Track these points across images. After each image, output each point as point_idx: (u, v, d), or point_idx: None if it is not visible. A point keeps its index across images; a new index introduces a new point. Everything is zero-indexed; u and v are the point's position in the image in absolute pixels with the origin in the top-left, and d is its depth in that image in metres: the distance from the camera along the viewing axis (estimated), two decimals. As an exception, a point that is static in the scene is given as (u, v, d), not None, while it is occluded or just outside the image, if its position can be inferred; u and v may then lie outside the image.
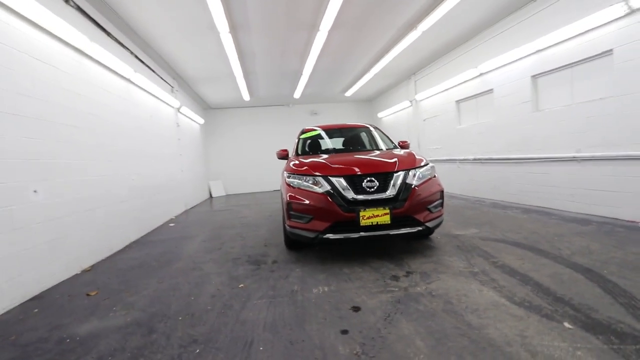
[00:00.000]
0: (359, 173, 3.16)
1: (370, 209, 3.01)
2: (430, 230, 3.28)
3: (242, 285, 2.80)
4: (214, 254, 3.90)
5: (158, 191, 6.03)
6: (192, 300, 2.55)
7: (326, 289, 2.62)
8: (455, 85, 7.43)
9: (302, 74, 8.04)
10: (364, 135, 5.02)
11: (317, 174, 3.24)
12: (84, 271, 3.53)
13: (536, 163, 5.43)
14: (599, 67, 4.40)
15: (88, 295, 2.82)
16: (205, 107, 11.34)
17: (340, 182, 3.13)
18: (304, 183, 3.28)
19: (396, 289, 2.53)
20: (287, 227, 3.36)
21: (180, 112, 7.98)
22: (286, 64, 7.34)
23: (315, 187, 3.18)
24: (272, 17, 5.05)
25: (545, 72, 5.17)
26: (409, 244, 3.71)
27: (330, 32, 5.49)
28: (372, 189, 3.10)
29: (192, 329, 2.09)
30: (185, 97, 8.74)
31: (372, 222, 3.01)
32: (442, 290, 2.44)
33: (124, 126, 4.83)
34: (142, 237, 5.17)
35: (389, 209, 3.03)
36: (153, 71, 6.16)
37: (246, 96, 9.78)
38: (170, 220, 6.60)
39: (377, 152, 4.01)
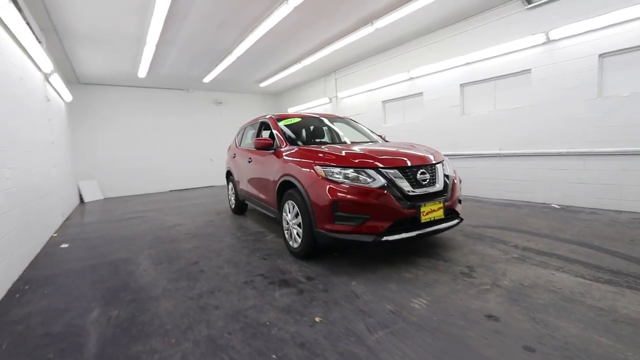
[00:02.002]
0: (410, 164, 2.84)
1: (429, 204, 2.75)
2: (461, 221, 3.26)
3: (318, 318, 2.04)
4: (206, 280, 2.75)
5: (34, 196, 3.89)
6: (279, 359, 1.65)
7: (424, 301, 2.21)
8: (384, 86, 7.94)
9: (230, 54, 6.85)
10: (350, 127, 4.65)
11: (367, 166, 2.73)
12: (-38, 355, 1.83)
13: (464, 159, 6.38)
14: (518, 81, 5.50)
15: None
16: (72, 79, 8.15)
17: (395, 175, 2.73)
18: (349, 177, 2.70)
19: (488, 286, 2.38)
20: (328, 233, 2.69)
21: (49, 82, 5.45)
22: (218, 39, 6.07)
23: (368, 181, 2.66)
24: (239, -28, 4.02)
25: (472, 81, 6.12)
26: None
27: (296, 8, 4.82)
28: (425, 182, 2.85)
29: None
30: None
31: (430, 218, 2.76)
32: (528, 281, 2.44)
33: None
34: (27, 270, 3.19)
35: (442, 202, 2.85)
36: (19, 10, 3.91)
37: (143, 72, 7.61)
38: (54, 239, 4.38)
39: (392, 144, 3.73)
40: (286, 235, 3.37)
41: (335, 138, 4.61)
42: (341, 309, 2.14)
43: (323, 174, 2.76)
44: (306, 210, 2.89)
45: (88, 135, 8.80)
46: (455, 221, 3.06)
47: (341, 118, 4.83)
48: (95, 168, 8.88)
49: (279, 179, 3.45)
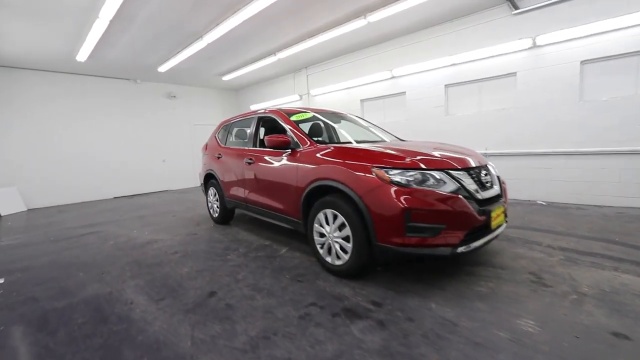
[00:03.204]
0: (474, 165, 2.57)
1: (496, 208, 2.51)
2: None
3: (436, 358, 1.61)
4: (245, 320, 2.10)
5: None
6: None
7: (530, 322, 1.93)
8: (363, 85, 7.73)
9: (200, 39, 5.94)
10: (359, 124, 4.24)
11: (436, 167, 2.37)
12: None
13: (449, 158, 6.46)
14: (504, 84, 5.71)
15: None
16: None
17: (464, 177, 2.42)
18: (418, 181, 2.31)
19: (574, 296, 2.21)
20: (397, 248, 2.26)
21: (-46, 56, 4.00)
22: (191, 19, 5.16)
23: (439, 185, 2.31)
24: None
25: (458, 82, 6.21)
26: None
27: (295, -11, 4.28)
28: (488, 185, 2.60)
29: None
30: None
31: (497, 223, 2.53)
32: (604, 286, 2.34)
33: None
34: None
35: (503, 205, 2.65)
36: None
37: (84, 55, 6.20)
38: (-24, 276, 3.15)
39: (424, 143, 3.41)
40: (320, 251, 2.85)
41: (335, 137, 4.20)
42: (452, 344, 1.74)
43: (388, 179, 2.32)
44: (361, 221, 2.43)
45: (2, 132, 6.92)
46: (505, 224, 2.89)
47: (345, 115, 4.43)
48: (13, 172, 7.02)
49: (307, 185, 2.91)
